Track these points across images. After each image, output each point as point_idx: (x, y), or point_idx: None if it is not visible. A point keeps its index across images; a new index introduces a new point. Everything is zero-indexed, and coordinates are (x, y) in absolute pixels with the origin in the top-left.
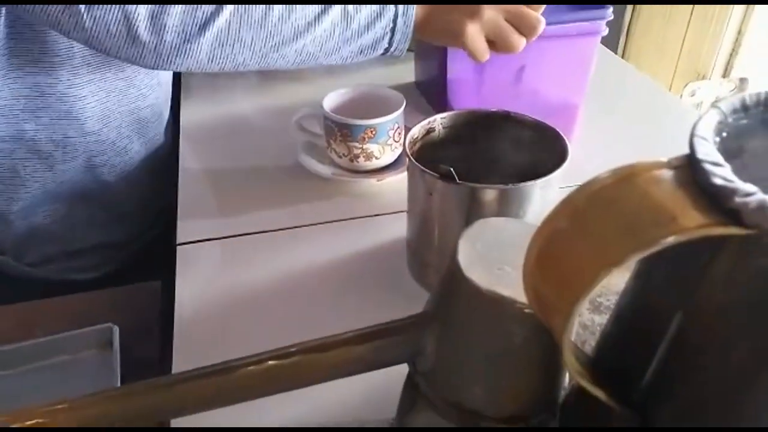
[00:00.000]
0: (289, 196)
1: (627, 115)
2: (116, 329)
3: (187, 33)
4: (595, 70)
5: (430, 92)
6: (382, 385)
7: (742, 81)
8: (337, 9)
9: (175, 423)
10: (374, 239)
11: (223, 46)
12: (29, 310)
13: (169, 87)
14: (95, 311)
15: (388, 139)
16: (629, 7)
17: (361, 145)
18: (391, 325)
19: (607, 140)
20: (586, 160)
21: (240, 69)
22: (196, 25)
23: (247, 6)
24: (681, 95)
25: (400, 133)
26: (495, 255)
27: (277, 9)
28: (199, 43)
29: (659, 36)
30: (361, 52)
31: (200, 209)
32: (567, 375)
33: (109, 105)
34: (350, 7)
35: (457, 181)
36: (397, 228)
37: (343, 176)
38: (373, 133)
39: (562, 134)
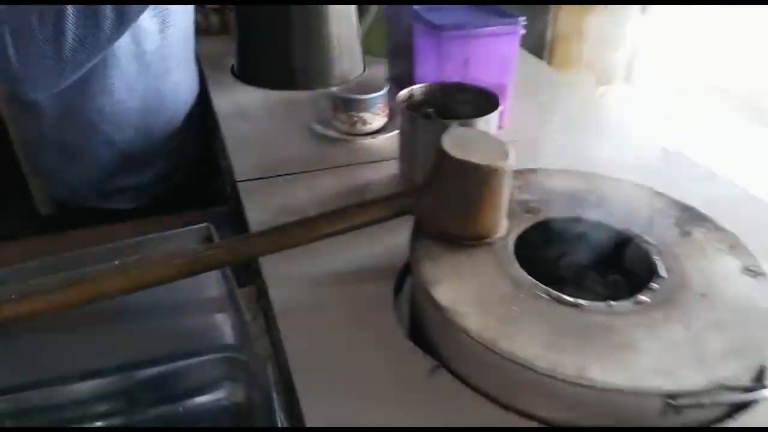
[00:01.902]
0: (311, 151)
1: (546, 98)
2: (213, 227)
3: None
4: (526, 72)
5: (403, 83)
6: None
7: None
8: None
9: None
10: (372, 175)
11: None
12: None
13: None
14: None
15: (377, 109)
16: (551, 28)
17: (357, 114)
18: (404, 191)
19: (527, 111)
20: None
21: None
22: None
23: None
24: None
25: (385, 106)
26: (463, 143)
27: None
28: None
29: (574, 51)
30: None
31: (245, 156)
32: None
33: None
34: None
35: (434, 117)
36: (388, 169)
37: (346, 137)
38: (365, 104)
39: (494, 92)
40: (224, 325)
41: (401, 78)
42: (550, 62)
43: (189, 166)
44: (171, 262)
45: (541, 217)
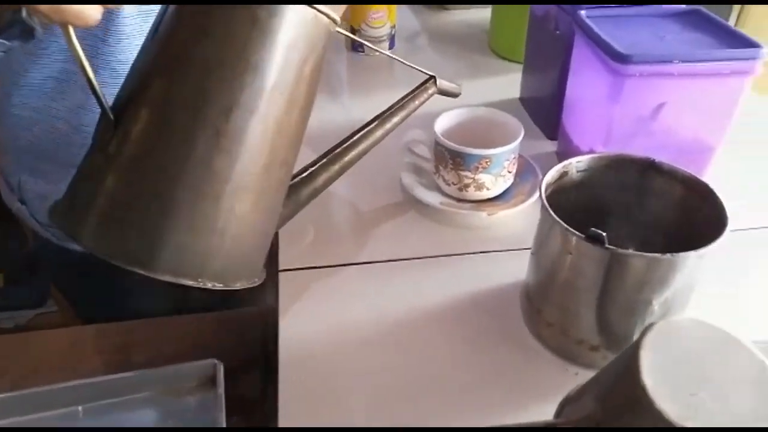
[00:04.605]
0: (393, 223)
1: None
2: (220, 366)
3: None
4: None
5: (539, 111)
6: None
7: None
8: None
9: None
10: (483, 278)
11: None
12: (127, 330)
13: None
14: (193, 335)
15: (502, 170)
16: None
17: (473, 175)
18: (550, 427)
19: (741, 186)
20: None
21: None
22: None
23: None
24: None
25: (514, 164)
26: (686, 373)
27: None
28: None
29: None
30: None
31: (300, 235)
32: None
33: None
34: None
35: (606, 245)
36: (509, 268)
37: (451, 207)
38: (488, 163)
39: (717, 194)
40: None
41: (540, 104)
42: None
43: None
44: None
45: None
